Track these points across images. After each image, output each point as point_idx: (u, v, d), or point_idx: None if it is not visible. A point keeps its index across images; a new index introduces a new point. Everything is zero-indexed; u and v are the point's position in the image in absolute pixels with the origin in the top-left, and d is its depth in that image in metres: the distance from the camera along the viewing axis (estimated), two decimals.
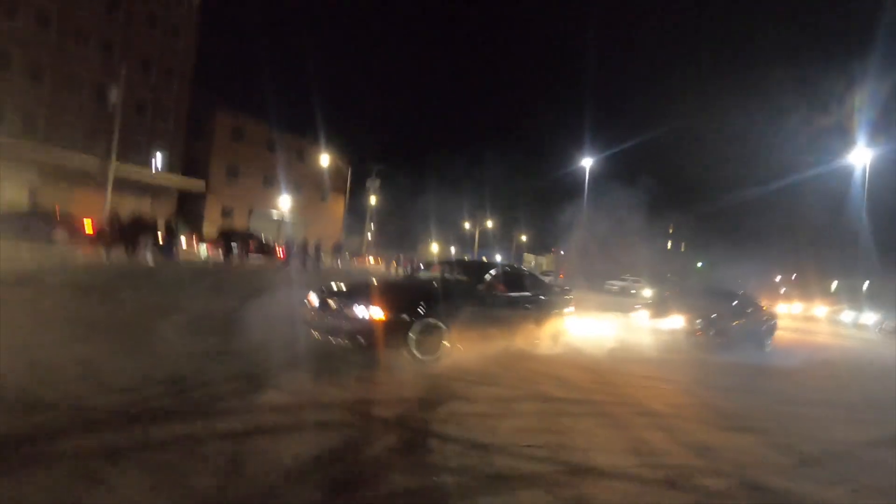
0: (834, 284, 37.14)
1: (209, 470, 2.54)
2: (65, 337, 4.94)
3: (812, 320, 25.95)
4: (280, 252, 23.76)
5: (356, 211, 46.23)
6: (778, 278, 44.92)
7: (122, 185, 25.93)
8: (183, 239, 22.80)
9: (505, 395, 4.68)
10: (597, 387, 5.43)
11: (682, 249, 51.89)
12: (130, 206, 25.16)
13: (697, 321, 8.90)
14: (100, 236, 15.54)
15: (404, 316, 5.20)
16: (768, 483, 3.16)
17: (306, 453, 2.85)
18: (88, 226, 16.42)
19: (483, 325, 6.03)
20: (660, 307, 9.80)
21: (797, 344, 13.10)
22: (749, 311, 9.92)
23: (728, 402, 5.48)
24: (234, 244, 18.96)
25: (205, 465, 2.58)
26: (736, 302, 9.92)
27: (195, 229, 27.74)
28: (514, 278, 6.95)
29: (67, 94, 26.10)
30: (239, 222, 34.03)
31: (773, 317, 11.03)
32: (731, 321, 9.16)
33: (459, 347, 5.71)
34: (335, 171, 39.84)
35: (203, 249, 23.14)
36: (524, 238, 64.12)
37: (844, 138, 26.99)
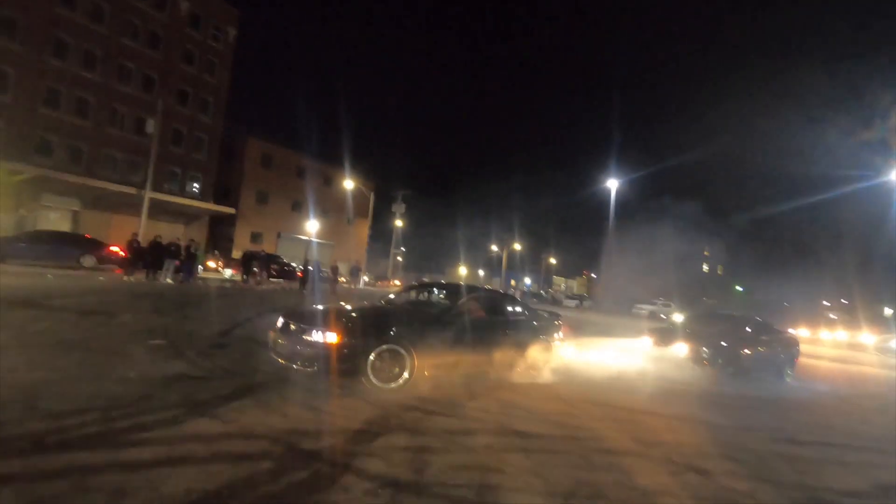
0: (886, 311, 34.61)
1: (84, 503, 2.45)
2: (33, 359, 5.03)
3: (857, 348, 24.16)
4: (300, 274, 24.14)
5: (384, 234, 46.83)
6: (825, 303, 42.32)
7: (158, 210, 27.17)
8: (205, 261, 23.57)
9: (459, 427, 4.44)
10: (568, 420, 5.10)
11: (719, 273, 49.73)
12: (164, 230, 26.20)
13: (703, 349, 8.37)
14: (124, 260, 16.21)
15: (361, 341, 5.06)
16: None
17: (200, 488, 2.74)
18: (116, 250, 17.16)
19: (455, 352, 5.81)
20: (665, 333, 9.28)
21: (830, 374, 12.14)
22: (764, 337, 9.26)
23: (714, 439, 5.03)
24: (253, 266, 19.34)
25: (83, 498, 2.50)
26: (748, 327, 9.28)
27: (223, 252, 28.69)
28: (491, 302, 6.72)
29: (110, 128, 27.75)
30: (267, 245, 34.98)
31: (793, 344, 10.26)
32: (742, 349, 8.56)
33: (426, 374, 5.52)
34: (361, 196, 40.59)
35: (227, 271, 23.84)
36: (553, 261, 63.10)
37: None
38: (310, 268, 20.53)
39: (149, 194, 24.65)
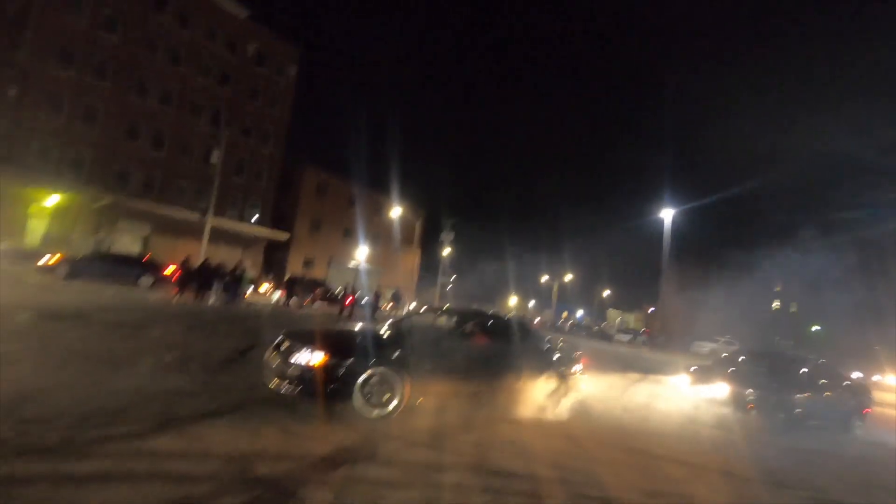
0: None
1: None
2: (42, 369, 5.24)
3: None
4: (346, 300, 24.56)
5: (436, 263, 47.00)
6: None
7: (219, 235, 28.82)
8: (258, 284, 24.54)
9: (435, 461, 4.10)
10: (566, 461, 4.62)
11: (793, 310, 45.62)
12: (224, 255, 27.82)
13: (749, 391, 7.48)
14: (178, 281, 17.14)
15: (349, 363, 4.87)
16: None
17: None
18: (170, 272, 18.23)
19: (454, 379, 5.50)
20: (706, 371, 8.42)
21: None
22: (824, 382, 8.16)
23: (734, 495, 4.37)
24: (295, 290, 19.89)
25: None
26: (806, 370, 8.22)
27: (277, 277, 29.83)
28: (498, 328, 6.32)
29: (180, 158, 30.07)
30: (319, 271, 36.06)
31: (863, 391, 8.98)
32: (795, 394, 7.57)
33: (420, 402, 5.23)
34: (411, 224, 41.21)
35: (275, 295, 24.68)
36: (608, 293, 60.64)
37: None
38: (355, 293, 20.89)
39: (210, 220, 26.24)
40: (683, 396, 7.73)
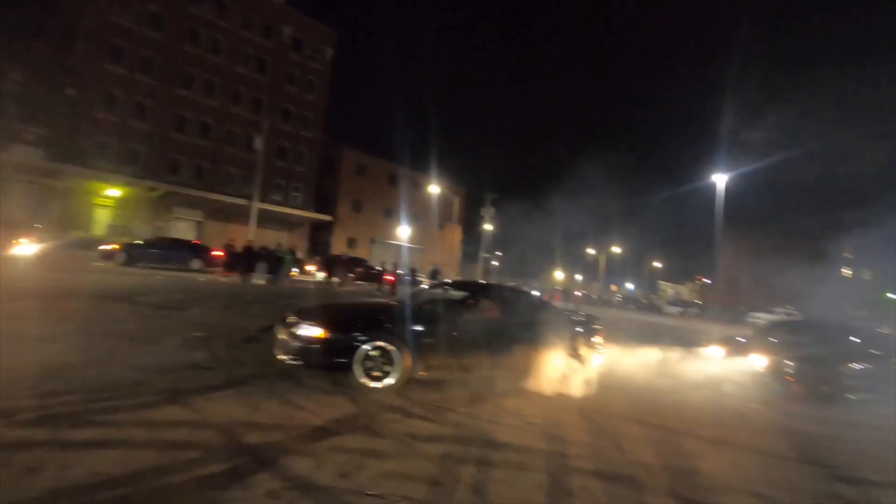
0: None
1: None
2: (76, 345, 5.63)
3: None
4: (387, 277, 24.98)
5: (478, 239, 46.83)
6: None
7: (265, 219, 29.97)
8: (303, 265, 25.38)
9: (429, 433, 4.10)
10: (570, 434, 4.49)
11: (867, 278, 42.18)
12: (271, 237, 28.99)
13: (788, 362, 7.00)
14: (225, 263, 18.02)
15: (350, 337, 4.94)
16: None
17: (106, 472, 2.78)
18: (218, 254, 19.17)
19: (459, 352, 5.46)
20: (742, 342, 7.94)
21: None
22: (879, 353, 7.49)
23: (754, 471, 4.10)
24: (335, 269, 20.48)
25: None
26: (855, 339, 7.56)
27: (321, 256, 30.75)
28: (508, 301, 6.20)
29: (226, 147, 31.26)
30: (362, 251, 36.83)
31: None
32: (841, 365, 7.01)
33: (425, 375, 5.24)
34: (452, 201, 41.09)
35: (320, 274, 25.48)
36: (658, 265, 58.36)
37: None
38: (398, 271, 21.39)
39: (256, 205, 27.29)
40: (717, 369, 7.33)
